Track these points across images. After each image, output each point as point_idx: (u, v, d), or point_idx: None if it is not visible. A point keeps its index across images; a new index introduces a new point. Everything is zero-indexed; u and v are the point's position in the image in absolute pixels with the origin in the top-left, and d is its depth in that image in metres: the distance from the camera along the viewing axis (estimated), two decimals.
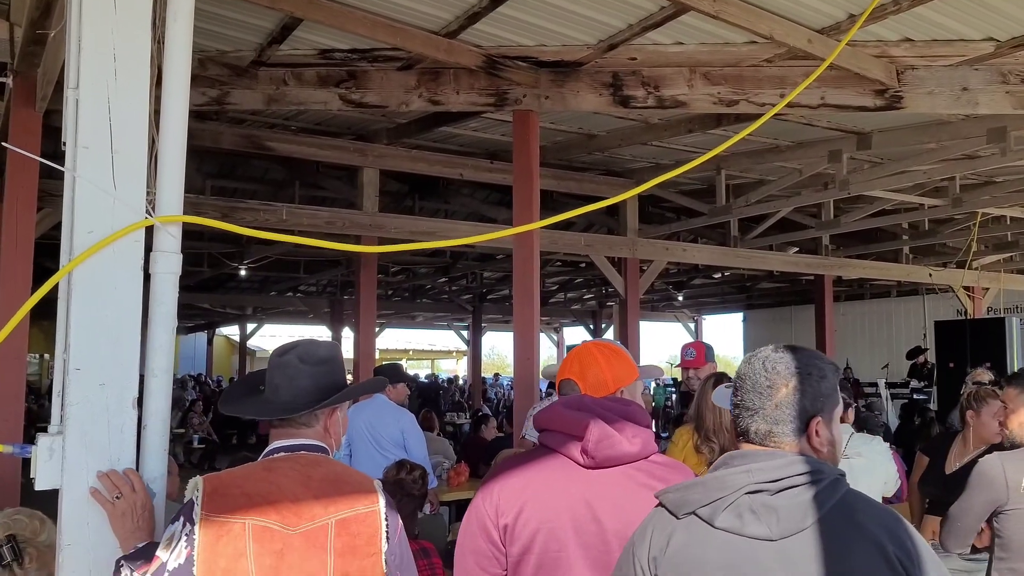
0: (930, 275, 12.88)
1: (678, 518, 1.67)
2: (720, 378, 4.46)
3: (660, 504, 1.75)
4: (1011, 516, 2.90)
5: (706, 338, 23.79)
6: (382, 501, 2.11)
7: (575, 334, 27.96)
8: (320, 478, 2.09)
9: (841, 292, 19.90)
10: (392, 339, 32.66)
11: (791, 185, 9.10)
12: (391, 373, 6.43)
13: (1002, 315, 13.91)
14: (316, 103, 6.75)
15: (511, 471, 2.18)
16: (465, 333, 27.72)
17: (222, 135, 8.35)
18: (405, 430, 6.17)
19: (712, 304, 22.72)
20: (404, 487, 3.76)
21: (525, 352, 6.39)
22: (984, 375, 4.78)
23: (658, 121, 8.12)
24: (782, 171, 9.24)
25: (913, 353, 14.77)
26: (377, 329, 26.99)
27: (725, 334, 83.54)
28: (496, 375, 29.45)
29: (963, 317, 14.27)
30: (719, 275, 18.25)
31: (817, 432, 1.67)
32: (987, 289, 14.18)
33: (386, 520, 2.08)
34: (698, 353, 5.05)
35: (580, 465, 2.12)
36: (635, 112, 7.83)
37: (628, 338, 10.63)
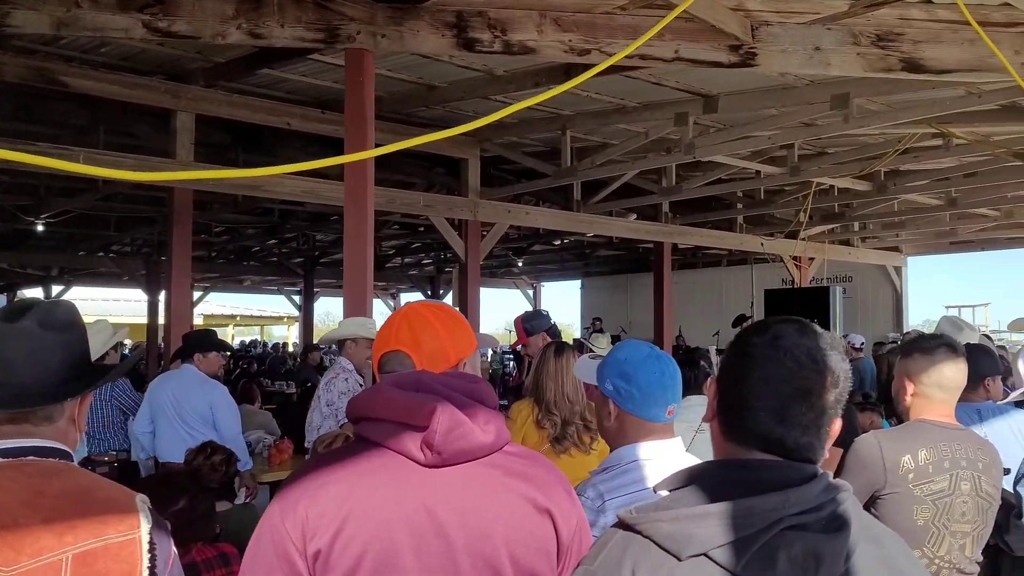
0: (762, 244, 13.15)
1: (679, 559, 1.19)
2: (561, 347, 4.07)
3: (640, 533, 1.24)
4: (889, 501, 2.57)
5: (545, 305, 23.83)
6: (145, 525, 1.52)
7: (412, 299, 27.37)
8: (56, 495, 1.50)
9: (675, 261, 20.25)
10: (218, 304, 31.01)
11: (636, 149, 8.87)
12: (200, 340, 5.67)
13: (826, 284, 14.44)
14: (116, 30, 5.80)
15: (323, 474, 1.56)
16: (297, 298, 26.57)
17: (5, 67, 7.19)
18: (215, 404, 5.46)
19: (551, 271, 22.70)
20: (200, 477, 3.13)
21: (359, 315, 5.79)
22: None
23: (503, 73, 7.64)
24: (628, 134, 8.99)
25: (737, 321, 15.12)
26: (200, 293, 25.48)
27: (563, 301, 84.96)
28: None
29: (790, 286, 14.72)
30: (559, 241, 18.15)
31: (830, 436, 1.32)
32: (813, 259, 14.67)
33: (150, 551, 1.51)
34: (518, 331, 4.66)
35: (418, 463, 1.56)
36: (480, 61, 7.33)
37: (468, 304, 10.19)
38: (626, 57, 5.73)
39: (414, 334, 1.82)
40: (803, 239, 14.31)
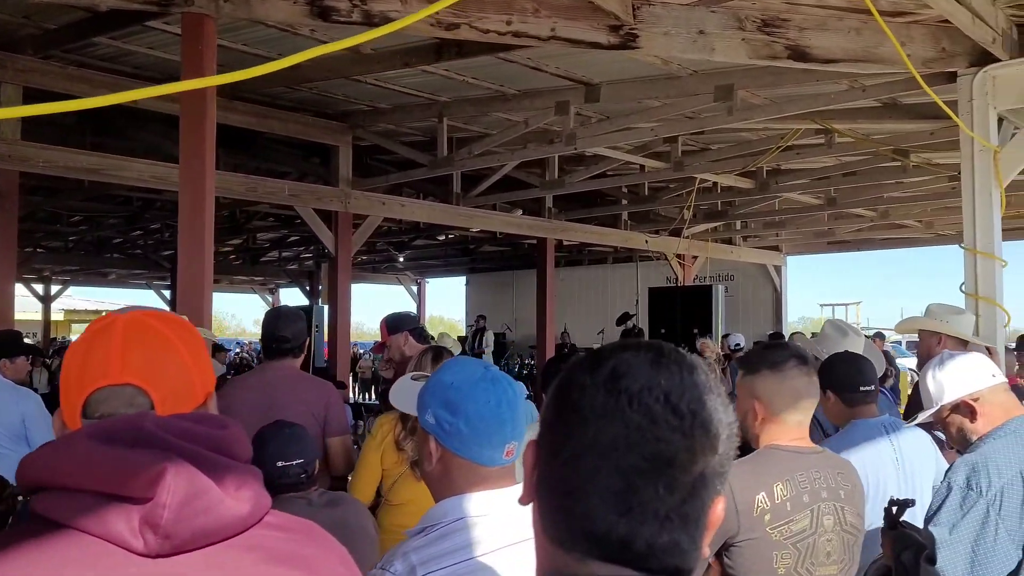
0: (647, 242, 12.94)
1: None
2: (440, 353, 3.54)
3: None
4: (745, 548, 2.10)
5: (429, 301, 23.24)
6: None
7: (291, 296, 26.34)
8: None
9: (561, 257, 19.99)
10: (82, 299, 29.12)
11: (516, 139, 8.42)
12: (6, 343, 4.88)
13: (709, 283, 14.38)
14: None
15: None
16: (167, 293, 25.12)
17: None
18: (27, 416, 4.69)
19: (436, 267, 22.11)
20: None
21: (195, 313, 5.08)
22: (710, 347, 4.19)
23: (371, 51, 7.04)
24: (507, 123, 8.53)
25: (621, 319, 14.94)
26: (59, 287, 23.79)
27: (449, 297, 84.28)
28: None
29: (674, 284, 14.61)
30: (443, 237, 17.59)
31: None
32: (696, 257, 14.59)
33: None
34: (381, 330, 4.14)
35: (134, 553, 1.00)
36: (344, 36, 6.72)
37: (339, 301, 9.55)
38: (499, 34, 5.27)
39: (150, 359, 1.22)
40: (687, 237, 14.21)
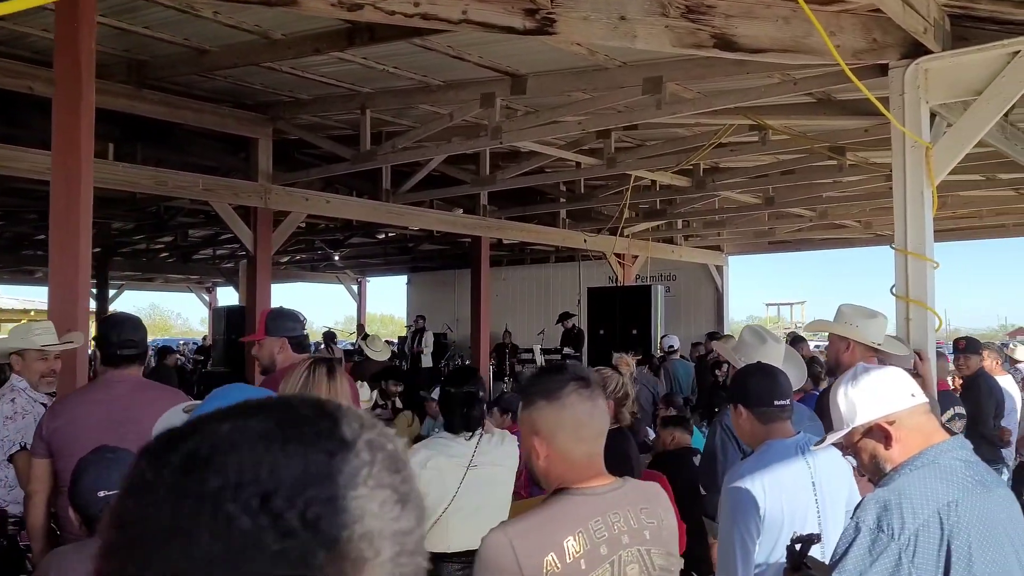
0: (584, 241, 12.64)
1: None
2: (333, 368, 3.16)
3: None
4: None
5: (371, 300, 22.73)
6: None
7: (227, 294, 25.50)
8: None
9: (503, 256, 19.70)
10: (11, 298, 28.03)
11: (442, 132, 8.05)
12: None
13: (648, 283, 14.16)
14: None
15: None
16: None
17: None
18: None
19: (376, 265, 21.59)
20: None
21: (67, 316, 4.61)
22: (627, 362, 3.82)
23: (281, 37, 6.62)
24: (433, 116, 8.15)
25: (561, 318, 14.67)
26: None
27: (390, 296, 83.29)
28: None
29: (614, 284, 14.35)
30: (382, 234, 17.14)
31: None
32: (636, 257, 14.35)
33: None
34: (258, 325, 3.77)
35: None
36: (252, 20, 6.30)
37: (258, 302, 9.07)
38: (405, 16, 4.90)
39: None
40: (626, 236, 13.96)
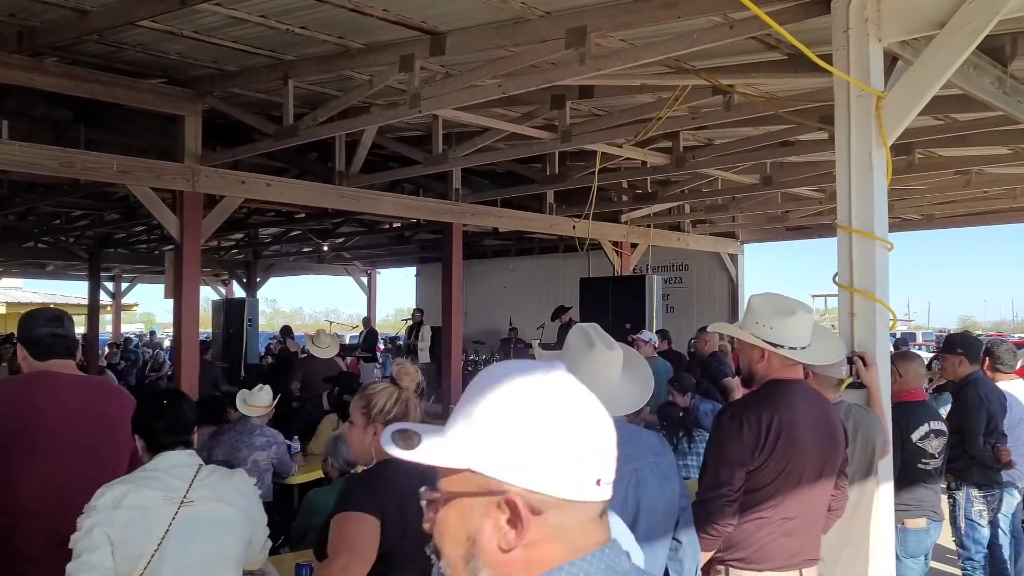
0: (574, 227, 11.64)
1: None
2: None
3: None
4: None
5: (380, 293, 21.96)
6: None
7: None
8: None
9: (511, 246, 18.78)
10: (31, 292, 27.98)
11: (363, 99, 7.16)
12: None
13: (643, 273, 13.10)
14: None
15: None
16: (110, 285, 23.99)
17: None
18: None
19: (382, 257, 20.79)
20: None
21: None
22: (408, 372, 2.92)
23: None
24: (354, 83, 7.27)
25: (556, 313, 13.69)
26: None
27: (400, 289, 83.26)
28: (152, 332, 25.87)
29: (614, 275, 13.31)
30: (388, 225, 16.34)
31: None
32: (636, 245, 13.28)
33: None
34: None
35: None
36: None
37: (185, 297, 8.28)
38: None
39: None
40: (624, 223, 12.93)
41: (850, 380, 3.86)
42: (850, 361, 3.86)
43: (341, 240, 17.97)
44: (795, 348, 2.94)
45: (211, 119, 8.77)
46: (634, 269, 13.67)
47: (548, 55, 5.67)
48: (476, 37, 6.01)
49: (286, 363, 12.16)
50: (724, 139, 8.99)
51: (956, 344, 5.37)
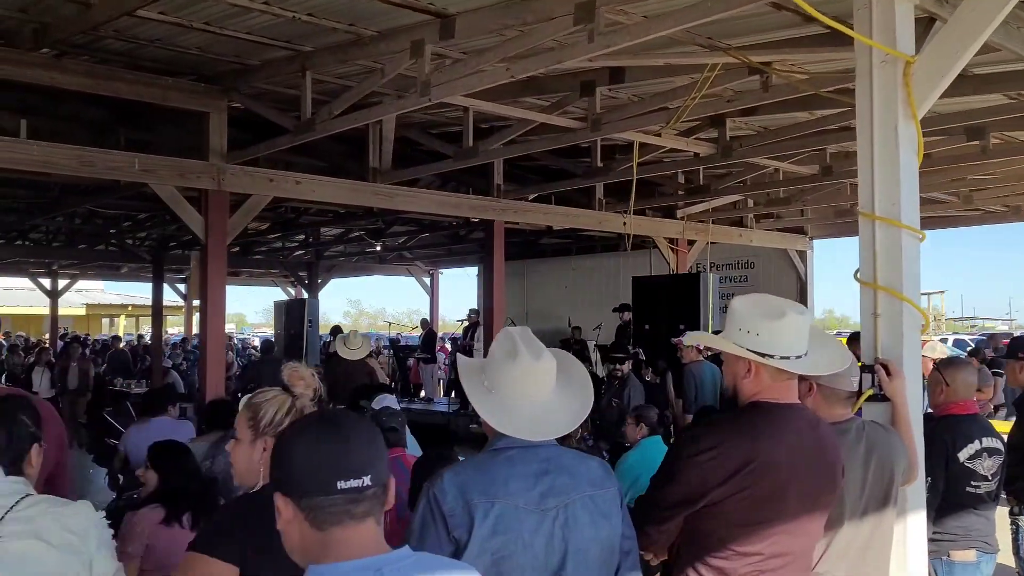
0: (624, 224, 11.11)
1: None
2: None
3: None
4: None
5: (442, 294, 21.73)
6: None
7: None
8: None
9: (571, 245, 18.30)
10: (112, 293, 28.76)
11: (379, 89, 6.84)
12: None
13: (698, 271, 12.46)
14: None
15: None
16: (183, 287, 24.38)
17: None
18: None
19: (444, 257, 20.52)
20: None
21: None
22: (302, 376, 2.53)
23: None
24: (369, 73, 6.95)
25: (620, 309, 13.17)
26: (66, 282, 23.25)
27: (463, 289, 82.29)
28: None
29: (665, 273, 12.72)
30: (449, 223, 16.04)
31: None
32: (693, 242, 12.66)
33: None
34: None
35: None
36: None
37: (210, 301, 8.10)
38: None
39: None
40: (680, 219, 12.33)
41: (871, 392, 3.31)
42: (870, 370, 3.32)
43: (402, 240, 17.78)
44: (788, 357, 2.43)
45: (245, 117, 8.61)
46: (694, 267, 13.05)
47: (556, 33, 5.21)
48: (484, 18, 5.60)
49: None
50: (775, 125, 8.36)
51: (1018, 348, 4.71)
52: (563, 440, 2.33)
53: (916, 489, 3.30)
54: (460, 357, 2.49)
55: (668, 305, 11.33)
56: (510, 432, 2.18)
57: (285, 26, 6.56)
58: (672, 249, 12.42)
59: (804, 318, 2.46)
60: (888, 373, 3.28)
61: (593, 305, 17.45)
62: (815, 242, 14.77)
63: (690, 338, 3.08)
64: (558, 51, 5.31)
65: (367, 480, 1.50)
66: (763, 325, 2.46)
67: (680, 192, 11.25)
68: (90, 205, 13.11)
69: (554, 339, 17.56)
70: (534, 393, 2.23)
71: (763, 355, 2.41)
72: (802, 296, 14.71)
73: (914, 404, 3.36)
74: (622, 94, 7.78)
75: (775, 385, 2.44)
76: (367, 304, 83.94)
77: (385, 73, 6.41)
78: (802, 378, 3.01)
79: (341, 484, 1.47)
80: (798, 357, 2.43)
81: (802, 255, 14.67)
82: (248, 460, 2.35)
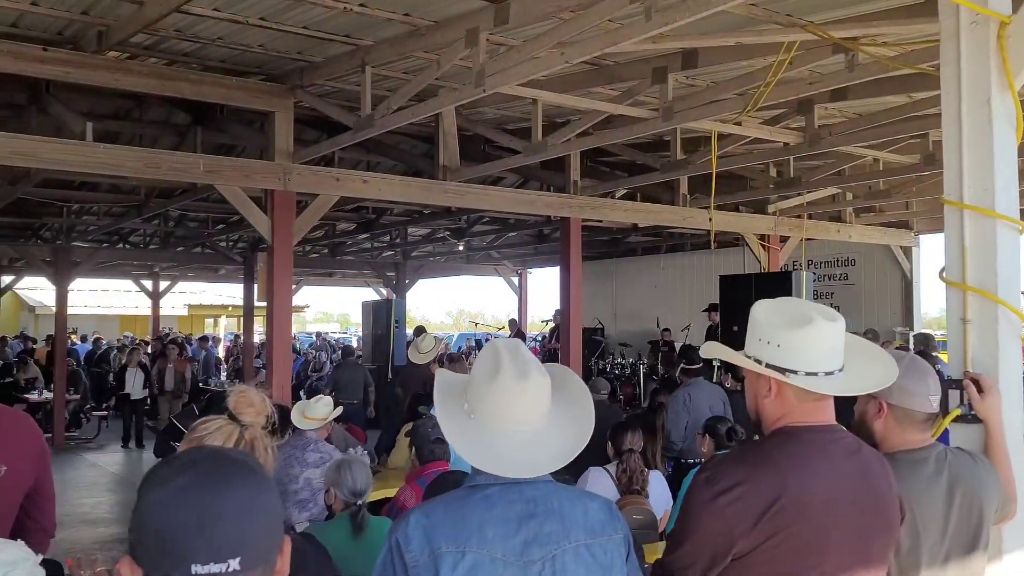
0: (710, 220, 10.54)
1: None
2: None
3: None
4: None
5: (531, 294, 21.39)
6: None
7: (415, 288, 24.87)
8: None
9: (660, 243, 17.73)
10: (214, 294, 29.56)
11: (437, 81, 6.56)
12: None
13: (787, 269, 11.77)
14: None
15: None
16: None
17: None
18: None
19: (531, 256, 20.17)
20: None
21: None
22: (251, 402, 2.28)
23: None
24: (424, 64, 6.68)
25: (708, 310, 12.58)
26: (167, 284, 23.95)
27: (551, 289, 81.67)
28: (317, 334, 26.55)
29: (757, 272, 12.07)
30: (513, 220, 15.75)
31: None
32: (786, 239, 11.96)
33: None
34: None
35: None
36: None
37: (276, 304, 7.98)
38: None
39: None
40: (772, 213, 11.67)
41: (957, 412, 2.81)
42: (958, 385, 2.82)
43: (490, 239, 17.57)
44: (815, 373, 1.99)
45: (316, 116, 8.51)
46: (788, 265, 12.35)
47: (613, 13, 4.81)
48: (540, 1, 5.24)
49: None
50: (869, 111, 7.71)
51: None
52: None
53: (1014, 529, 2.78)
54: (441, 373, 2.14)
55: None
56: (487, 469, 1.83)
57: (341, 19, 6.36)
58: (763, 246, 11.76)
59: (836, 326, 2.02)
60: (980, 390, 2.78)
61: (683, 305, 16.87)
62: (922, 238, 13.80)
63: (705, 351, 2.58)
64: (614, 32, 4.90)
65: (234, 565, 1.15)
66: (785, 334, 2.04)
67: (770, 186, 10.61)
68: (172, 208, 13.33)
69: (642, 340, 17.06)
70: (521, 419, 1.86)
71: (784, 370, 1.98)
72: (907, 296, 13.79)
73: (1012, 426, 2.84)
74: (700, 81, 7.30)
75: (803, 407, 2.01)
76: (467, 304, 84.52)
77: (441, 65, 6.12)
78: (870, 396, 2.57)
79: (196, 569, 1.14)
80: (828, 373, 1.99)
81: (907, 252, 13.74)
82: None
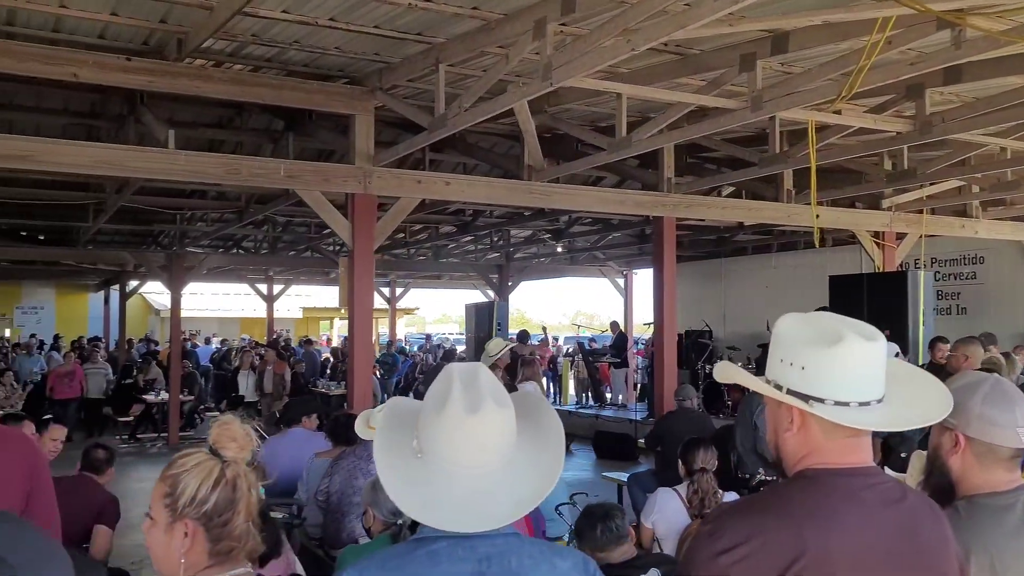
0: (817, 216, 9.89)
1: None
2: None
3: None
4: None
5: (636, 296, 20.84)
6: None
7: (520, 288, 24.61)
8: None
9: (771, 241, 16.96)
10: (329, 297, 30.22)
11: (503, 77, 6.29)
12: None
13: (905, 268, 10.93)
14: None
15: None
16: (386, 290, 25.16)
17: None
18: None
19: (634, 256, 19.64)
20: None
21: None
22: (235, 436, 2.01)
23: None
24: (495, 60, 6.42)
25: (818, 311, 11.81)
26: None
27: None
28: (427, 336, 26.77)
29: (872, 271, 11.28)
30: (616, 220, 15.34)
31: None
32: (903, 236, 11.13)
33: None
34: None
35: None
36: None
37: (357, 304, 7.89)
38: None
39: None
40: (888, 209, 10.90)
41: None
42: None
43: (594, 240, 17.23)
44: (847, 404, 1.60)
45: (399, 118, 8.41)
46: (907, 264, 11.51)
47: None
48: None
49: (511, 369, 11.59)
50: (988, 94, 7.01)
51: None
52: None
53: None
54: (394, 401, 1.86)
55: (870, 307, 9.98)
56: (424, 520, 1.53)
57: (409, 16, 6.19)
58: (877, 244, 10.98)
59: (873, 346, 1.63)
60: None
61: (796, 307, 15.86)
62: None
63: (719, 373, 2.11)
64: (682, 15, 4.50)
65: None
66: (810, 354, 1.65)
67: (884, 179, 9.87)
68: (278, 213, 13.57)
69: (752, 344, 16.32)
70: (471, 460, 1.56)
71: (808, 398, 1.60)
72: None
73: None
74: (796, 67, 6.78)
75: (831, 444, 1.62)
76: (584, 305, 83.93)
77: (510, 59, 5.85)
78: (943, 428, 2.14)
79: None
80: (864, 404, 1.60)
81: None
82: (165, 549, 1.75)
